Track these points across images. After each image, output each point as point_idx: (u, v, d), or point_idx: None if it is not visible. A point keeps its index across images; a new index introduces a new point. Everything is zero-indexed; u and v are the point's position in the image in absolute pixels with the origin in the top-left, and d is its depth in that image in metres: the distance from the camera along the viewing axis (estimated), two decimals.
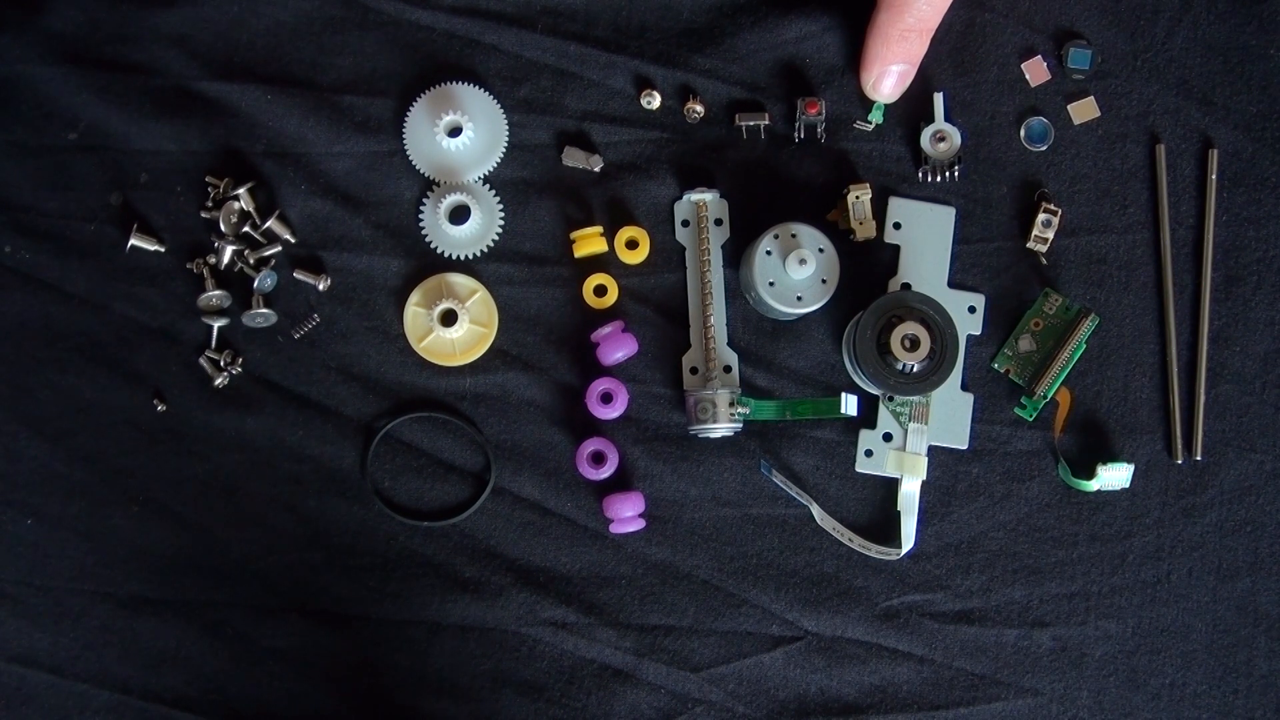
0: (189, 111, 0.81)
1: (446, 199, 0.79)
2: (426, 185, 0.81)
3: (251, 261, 0.80)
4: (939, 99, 0.80)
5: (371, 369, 0.80)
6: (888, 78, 0.78)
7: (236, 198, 0.79)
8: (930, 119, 0.80)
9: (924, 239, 0.80)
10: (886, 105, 0.80)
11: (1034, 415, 0.79)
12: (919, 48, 0.78)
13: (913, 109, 0.81)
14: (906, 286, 0.79)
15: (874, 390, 0.77)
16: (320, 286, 0.80)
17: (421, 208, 0.81)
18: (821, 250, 0.76)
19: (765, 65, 0.81)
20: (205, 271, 0.80)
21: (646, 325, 0.80)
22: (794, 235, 0.76)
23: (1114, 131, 0.81)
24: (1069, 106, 0.81)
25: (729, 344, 0.80)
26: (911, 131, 0.81)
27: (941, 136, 0.80)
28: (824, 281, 0.76)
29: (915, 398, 0.77)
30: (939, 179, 0.80)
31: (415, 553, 0.80)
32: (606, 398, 0.78)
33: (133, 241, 0.80)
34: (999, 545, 0.79)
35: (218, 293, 0.79)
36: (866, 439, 0.79)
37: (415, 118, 0.80)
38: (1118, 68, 0.81)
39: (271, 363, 0.80)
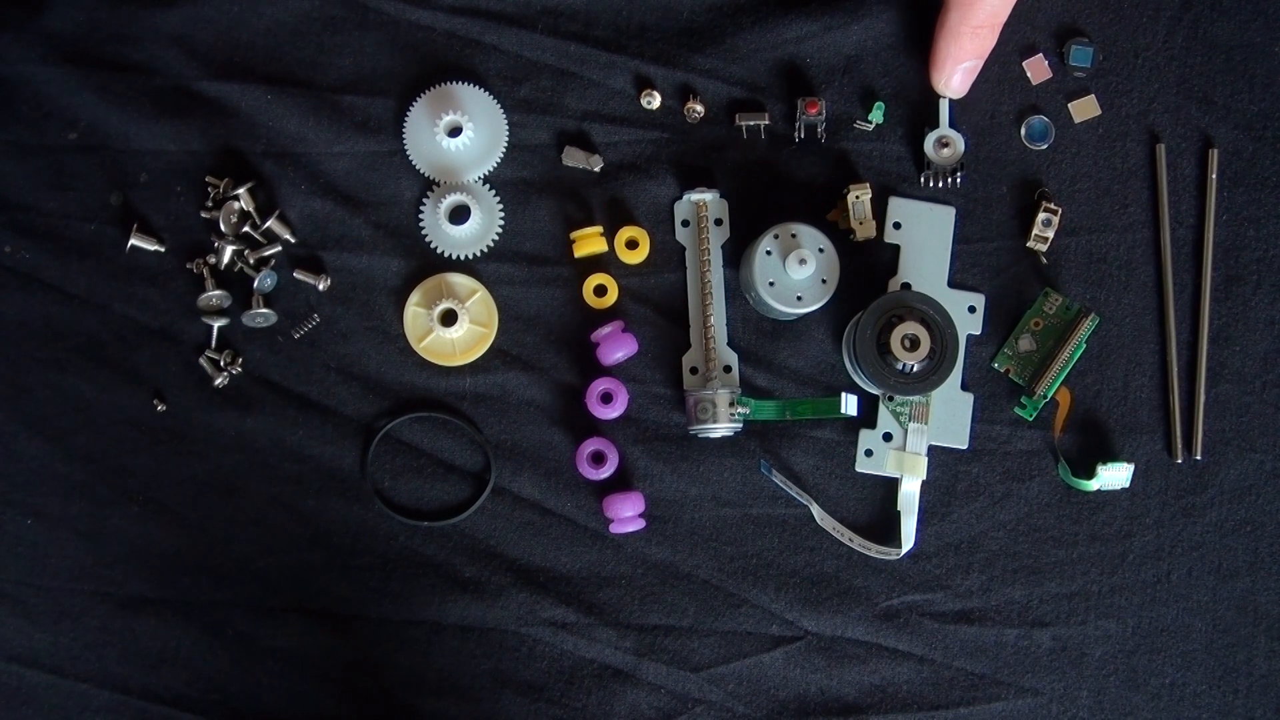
0: (189, 111, 0.81)
1: (446, 199, 0.79)
2: (426, 185, 0.81)
3: (251, 261, 0.80)
4: (944, 104, 0.79)
5: (371, 369, 0.80)
6: (959, 75, 0.78)
7: (236, 198, 0.79)
8: (934, 124, 0.80)
9: (924, 239, 0.80)
10: (886, 105, 0.80)
11: (1034, 415, 0.79)
12: (989, 42, 0.77)
13: (915, 112, 0.81)
14: (906, 286, 0.79)
15: (874, 390, 0.77)
16: (320, 286, 0.80)
17: (421, 208, 0.81)
18: (821, 250, 0.76)
19: (765, 65, 0.81)
20: (205, 271, 0.80)
21: (646, 325, 0.80)
22: (794, 235, 0.76)
23: (1114, 130, 0.81)
24: (1070, 105, 0.81)
25: (729, 344, 0.80)
26: (912, 131, 0.81)
27: (945, 142, 0.79)
28: (824, 281, 0.76)
29: (915, 397, 0.77)
30: (941, 185, 0.80)
31: (415, 553, 0.80)
32: (606, 398, 0.78)
33: (133, 241, 0.80)
34: (999, 545, 0.79)
35: (218, 293, 0.79)
36: (866, 439, 0.79)
37: (415, 118, 0.80)
38: (1119, 65, 0.81)
39: (271, 363, 0.80)
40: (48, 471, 0.80)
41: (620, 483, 0.80)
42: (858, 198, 0.79)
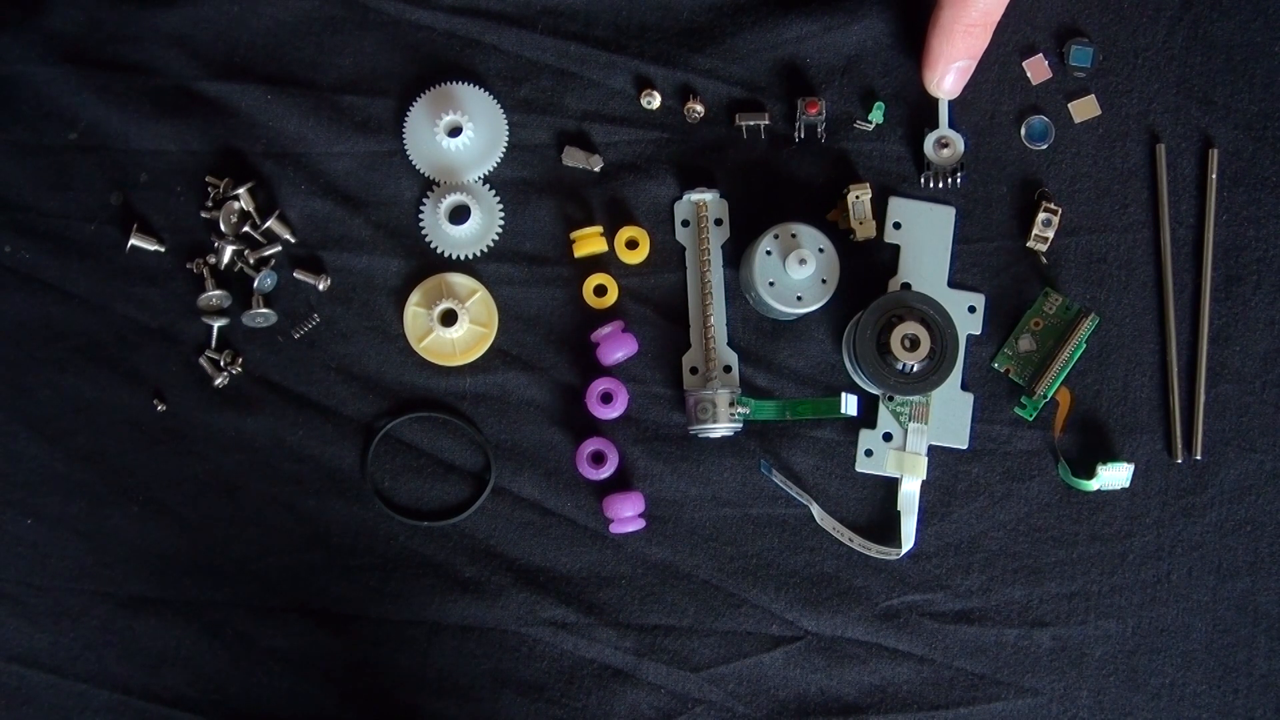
0: (189, 111, 0.81)
1: (446, 199, 0.79)
2: (426, 185, 0.81)
3: (251, 261, 0.80)
4: (944, 105, 0.79)
5: (371, 369, 0.80)
6: (951, 74, 0.78)
7: (236, 198, 0.79)
8: (934, 124, 0.79)
9: (924, 239, 0.80)
10: (886, 105, 0.80)
11: (1034, 415, 0.79)
12: (983, 42, 0.77)
13: (915, 112, 0.81)
14: (906, 286, 0.79)
15: (874, 390, 0.77)
16: (320, 286, 0.80)
17: (421, 208, 0.81)
18: (821, 250, 0.76)
19: (765, 65, 0.81)
20: (205, 271, 0.80)
21: (646, 325, 0.80)
22: (794, 235, 0.76)
23: (1115, 130, 0.81)
24: (1070, 105, 0.81)
25: (729, 344, 0.80)
26: (911, 131, 0.81)
27: (945, 143, 0.79)
28: (824, 281, 0.76)
29: (915, 397, 0.77)
30: (940, 185, 0.80)
31: (415, 553, 0.80)
32: (606, 398, 0.78)
33: (133, 241, 0.80)
34: (999, 545, 0.79)
35: (218, 293, 0.79)
36: (866, 439, 0.79)
37: (415, 118, 0.80)
38: (1119, 65, 0.81)
39: (271, 363, 0.80)
40: (48, 471, 0.80)
41: (620, 483, 0.80)
42: (858, 198, 0.79)
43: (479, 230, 0.80)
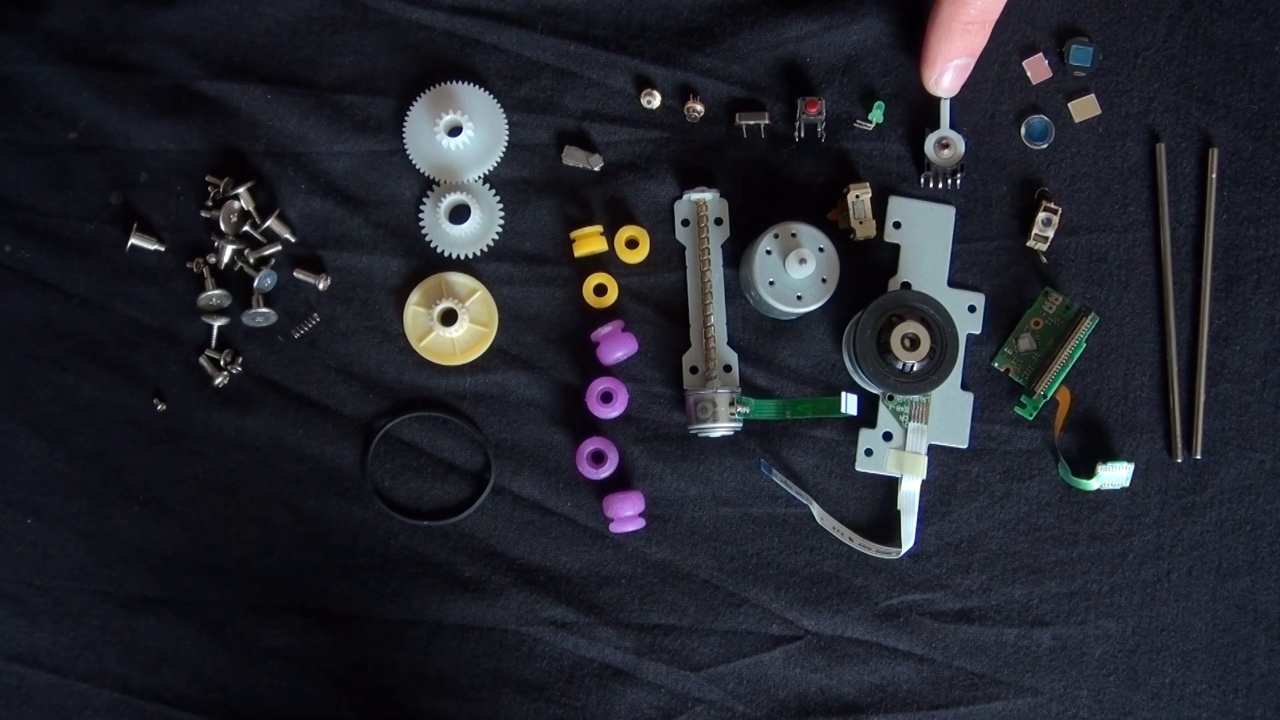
0: (189, 111, 0.81)
1: (446, 198, 0.79)
2: (426, 185, 0.81)
3: (251, 261, 0.80)
4: (945, 105, 0.79)
5: (371, 369, 0.80)
6: (950, 73, 0.77)
7: (236, 197, 0.79)
8: (934, 124, 0.79)
9: (924, 238, 0.80)
10: (886, 105, 0.80)
11: (1034, 414, 0.79)
12: (981, 40, 0.77)
13: (915, 112, 0.81)
14: (906, 285, 0.79)
15: (874, 389, 0.77)
16: (320, 286, 0.80)
17: (421, 207, 0.81)
18: (821, 249, 0.76)
19: (765, 65, 0.81)
20: (205, 271, 0.80)
21: (646, 325, 0.80)
22: (794, 234, 0.76)
23: (1115, 129, 0.81)
24: (1070, 104, 0.81)
25: (729, 343, 0.80)
26: (911, 131, 0.81)
27: (945, 143, 0.79)
28: (824, 281, 0.76)
29: (915, 397, 0.77)
30: (941, 186, 0.80)
31: (415, 553, 0.80)
32: (606, 397, 0.78)
33: (133, 241, 0.80)
34: (999, 544, 0.79)
35: (218, 292, 0.79)
36: (866, 438, 0.79)
37: (415, 117, 0.80)
38: (1119, 65, 0.81)
39: (271, 363, 0.80)
40: (48, 471, 0.80)
41: (620, 482, 0.80)
42: (858, 197, 0.79)
43: (479, 230, 0.80)
